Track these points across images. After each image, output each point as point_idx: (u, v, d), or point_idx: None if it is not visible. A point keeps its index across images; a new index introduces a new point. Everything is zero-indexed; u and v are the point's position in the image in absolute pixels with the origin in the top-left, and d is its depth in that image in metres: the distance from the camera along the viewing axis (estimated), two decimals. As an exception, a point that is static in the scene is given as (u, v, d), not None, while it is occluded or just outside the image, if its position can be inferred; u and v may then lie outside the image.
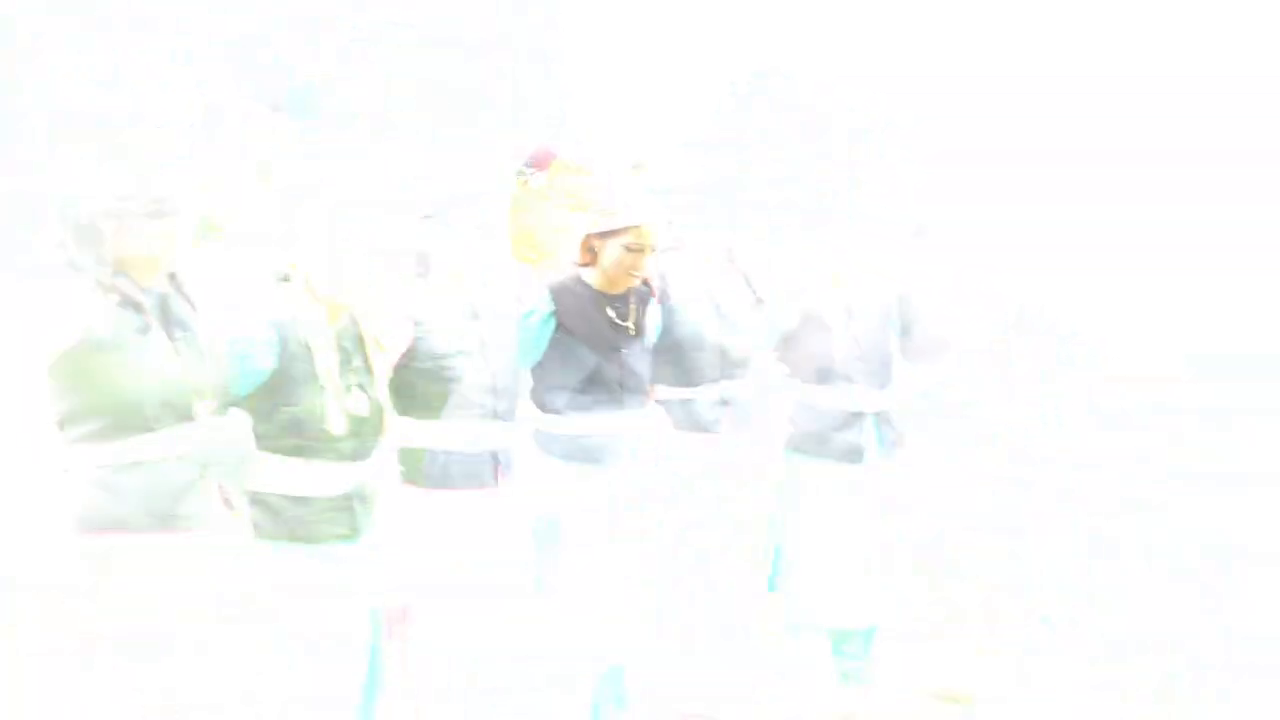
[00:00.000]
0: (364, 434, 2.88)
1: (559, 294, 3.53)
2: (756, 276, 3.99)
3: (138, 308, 2.44)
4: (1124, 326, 10.20)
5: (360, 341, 2.94)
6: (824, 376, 3.99)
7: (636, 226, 3.46)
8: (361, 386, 2.88)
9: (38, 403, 2.32)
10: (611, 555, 3.49)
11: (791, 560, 4.03)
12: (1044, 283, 10.18)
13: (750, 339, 3.91)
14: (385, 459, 3.06)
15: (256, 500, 2.74)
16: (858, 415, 3.97)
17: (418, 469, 3.18)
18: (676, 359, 3.77)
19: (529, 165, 3.67)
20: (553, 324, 3.50)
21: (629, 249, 3.46)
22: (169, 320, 2.51)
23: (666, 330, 3.76)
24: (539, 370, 3.57)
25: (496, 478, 3.29)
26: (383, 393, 2.96)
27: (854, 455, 3.98)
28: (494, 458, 3.28)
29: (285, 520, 2.77)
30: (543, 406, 3.58)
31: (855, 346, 3.98)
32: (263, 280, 2.94)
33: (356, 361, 2.90)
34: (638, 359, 3.62)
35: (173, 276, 2.57)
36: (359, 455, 2.88)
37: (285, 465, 2.78)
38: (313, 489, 2.80)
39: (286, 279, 2.87)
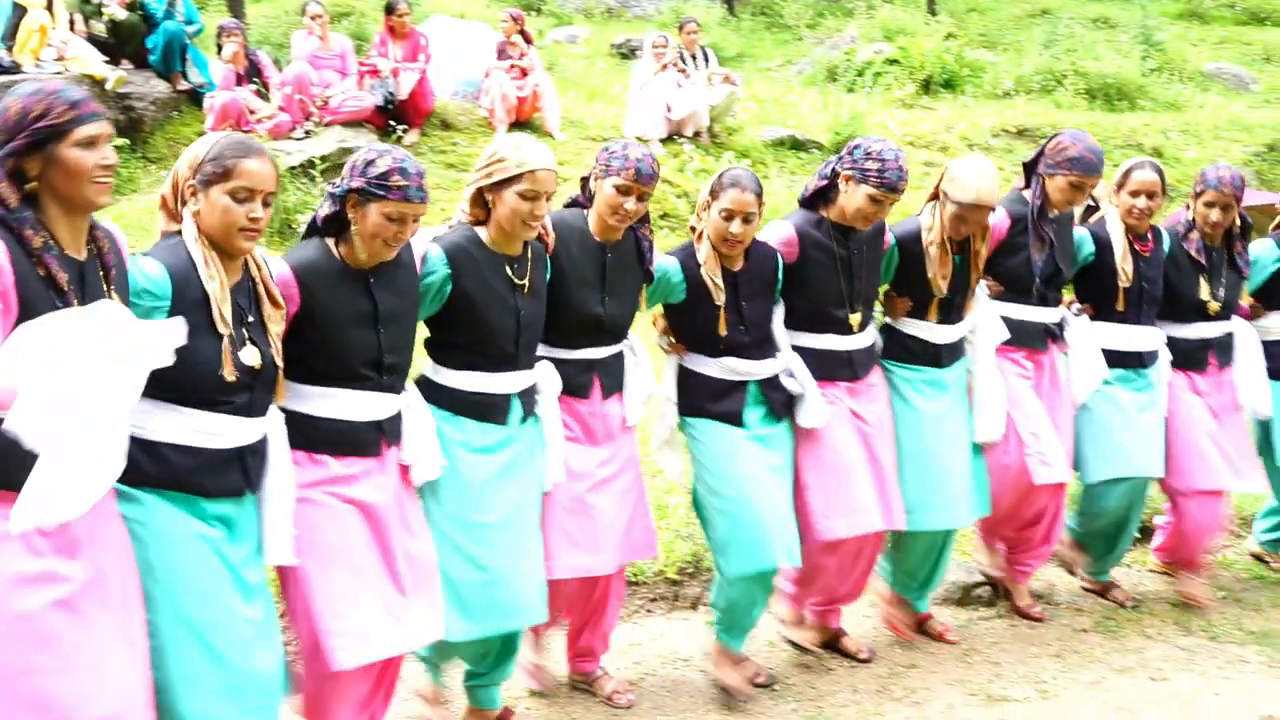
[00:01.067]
0: (257, 388, 2.89)
1: (455, 256, 3.43)
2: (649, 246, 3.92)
3: (59, 289, 2.45)
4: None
5: (256, 299, 2.93)
6: (709, 347, 4.01)
7: (531, 172, 3.35)
8: (254, 341, 2.89)
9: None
10: (502, 512, 3.48)
11: (706, 519, 4.06)
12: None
13: (632, 308, 3.89)
14: (278, 419, 3.06)
15: (145, 448, 2.72)
16: (740, 384, 3.99)
17: (302, 432, 3.12)
18: (553, 319, 3.68)
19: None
20: (450, 287, 3.42)
21: (524, 197, 3.36)
22: (86, 297, 2.51)
23: (550, 287, 3.67)
24: (432, 323, 3.54)
25: (382, 448, 3.25)
26: (277, 351, 2.96)
27: (734, 421, 3.99)
28: (379, 428, 3.24)
29: (173, 469, 2.77)
30: (435, 359, 3.56)
31: (739, 319, 3.97)
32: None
33: (251, 317, 2.90)
34: (533, 318, 3.58)
35: (93, 239, 2.58)
36: (253, 410, 2.90)
37: (178, 414, 2.78)
38: (203, 439, 2.81)
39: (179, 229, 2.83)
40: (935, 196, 4.28)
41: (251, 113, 9.89)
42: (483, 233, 3.50)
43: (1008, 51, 16.22)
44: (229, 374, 2.80)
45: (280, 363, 2.97)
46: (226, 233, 2.79)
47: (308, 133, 9.90)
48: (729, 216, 3.84)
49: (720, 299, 3.92)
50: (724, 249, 3.92)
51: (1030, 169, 4.52)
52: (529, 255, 3.57)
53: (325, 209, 3.14)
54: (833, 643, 4.52)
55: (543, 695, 4.09)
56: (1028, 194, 4.50)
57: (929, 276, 4.25)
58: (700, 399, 4.02)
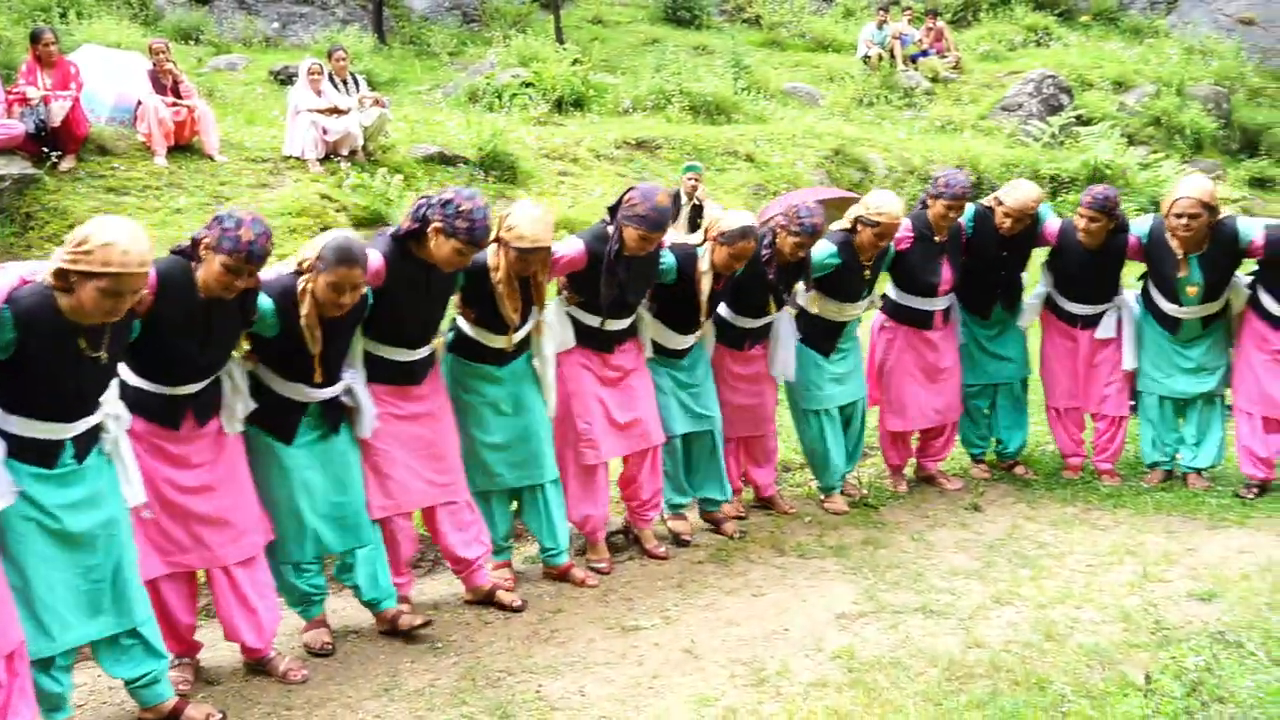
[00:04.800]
0: None
1: (24, 318, 3.01)
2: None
3: None
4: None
5: None
6: (284, 373, 3.86)
7: (115, 275, 2.98)
8: None
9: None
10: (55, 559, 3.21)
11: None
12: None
13: (231, 347, 3.70)
14: None
15: None
16: (299, 404, 3.91)
17: None
18: (155, 359, 3.48)
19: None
20: (14, 349, 3.02)
21: (104, 293, 3.00)
22: None
23: (147, 332, 3.39)
24: None
25: None
26: None
27: (284, 437, 3.90)
28: None
29: None
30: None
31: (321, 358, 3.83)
32: None
33: None
34: (99, 380, 3.26)
35: None
36: None
37: None
38: None
39: None
40: (499, 239, 4.21)
41: (-110, 143, 8.74)
42: (62, 299, 3.04)
43: (626, 75, 16.74)
44: None
45: None
46: None
47: (-46, 162, 8.85)
48: (339, 290, 3.65)
49: (317, 350, 3.77)
50: (329, 310, 3.73)
51: (613, 212, 4.59)
52: (105, 326, 3.16)
53: None
54: (489, 599, 4.53)
55: (216, 683, 3.89)
56: (612, 229, 4.55)
57: (500, 310, 4.29)
58: (260, 413, 3.85)
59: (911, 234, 5.54)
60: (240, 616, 3.83)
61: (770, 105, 16.09)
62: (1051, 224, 5.75)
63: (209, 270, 3.43)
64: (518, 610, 4.46)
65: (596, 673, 3.93)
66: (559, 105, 14.54)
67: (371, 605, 4.23)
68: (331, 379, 3.94)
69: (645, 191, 4.50)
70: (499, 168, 11.52)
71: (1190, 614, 4.21)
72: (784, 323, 5.33)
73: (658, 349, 5.03)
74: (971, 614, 4.33)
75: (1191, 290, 5.52)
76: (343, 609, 4.51)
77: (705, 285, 4.82)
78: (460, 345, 4.51)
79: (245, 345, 3.87)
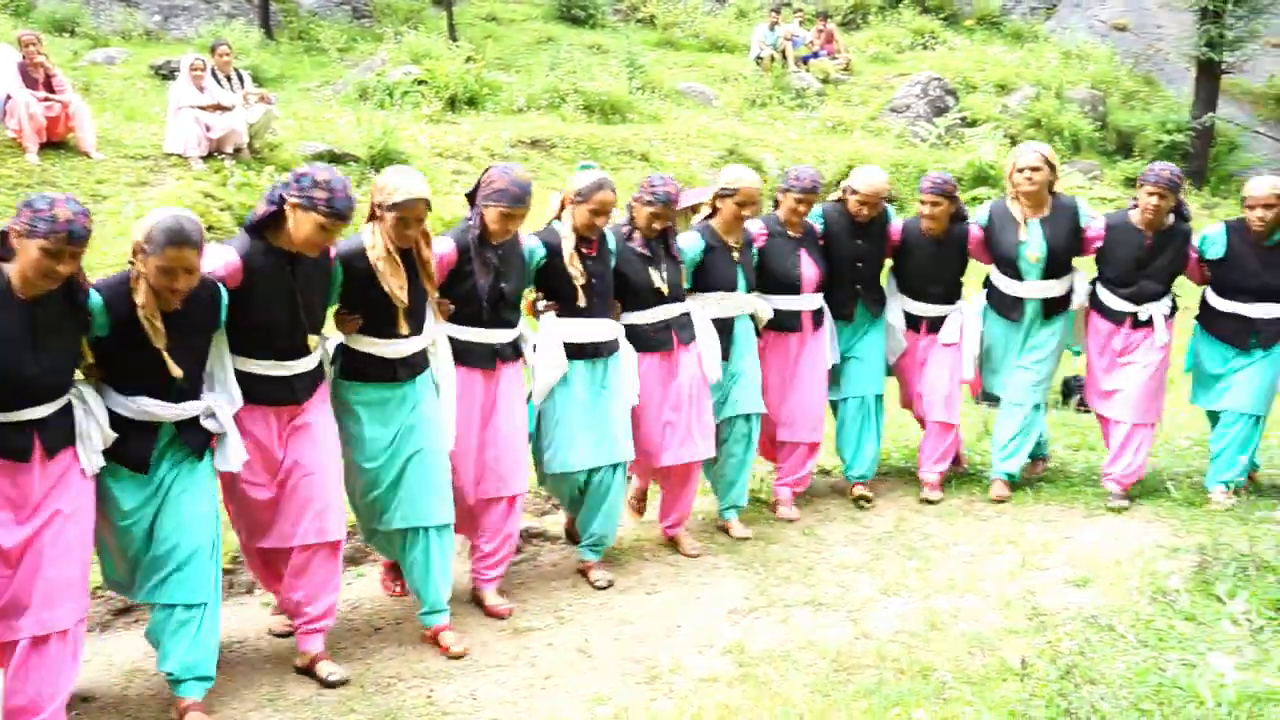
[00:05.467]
0: None
1: None
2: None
3: None
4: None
5: None
6: (129, 388, 3.56)
7: None
8: None
9: None
10: None
11: None
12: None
13: (72, 357, 3.39)
14: None
15: None
16: (152, 426, 3.55)
17: None
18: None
19: None
20: None
21: None
22: None
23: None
24: None
25: None
26: None
27: (139, 466, 3.54)
28: None
29: None
30: None
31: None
32: None
33: None
34: None
35: None
36: None
37: None
38: None
39: None
40: (373, 216, 3.97)
41: None
42: None
43: (520, 73, 16.64)
44: None
45: None
46: None
47: None
48: (170, 274, 3.34)
49: (161, 342, 3.43)
50: (168, 296, 3.43)
51: (472, 199, 4.35)
52: None
53: None
54: (309, 669, 3.94)
55: (91, 699, 3.74)
56: (473, 218, 4.31)
57: (387, 290, 3.95)
58: (112, 445, 3.51)
59: (765, 231, 5.47)
60: (19, 683, 3.33)
61: (665, 105, 16.16)
62: (895, 224, 5.81)
63: (25, 259, 3.14)
64: (334, 685, 3.83)
65: (488, 675, 3.90)
66: (452, 103, 14.38)
67: (171, 682, 3.63)
68: (187, 390, 3.57)
69: (503, 168, 4.31)
70: (391, 166, 11.34)
71: (1066, 600, 4.37)
72: (699, 319, 5.07)
73: (574, 352, 4.62)
74: (860, 606, 4.42)
75: (1033, 256, 5.62)
76: (225, 617, 4.39)
77: (568, 248, 4.57)
78: (348, 366, 4.07)
79: (89, 357, 3.48)
